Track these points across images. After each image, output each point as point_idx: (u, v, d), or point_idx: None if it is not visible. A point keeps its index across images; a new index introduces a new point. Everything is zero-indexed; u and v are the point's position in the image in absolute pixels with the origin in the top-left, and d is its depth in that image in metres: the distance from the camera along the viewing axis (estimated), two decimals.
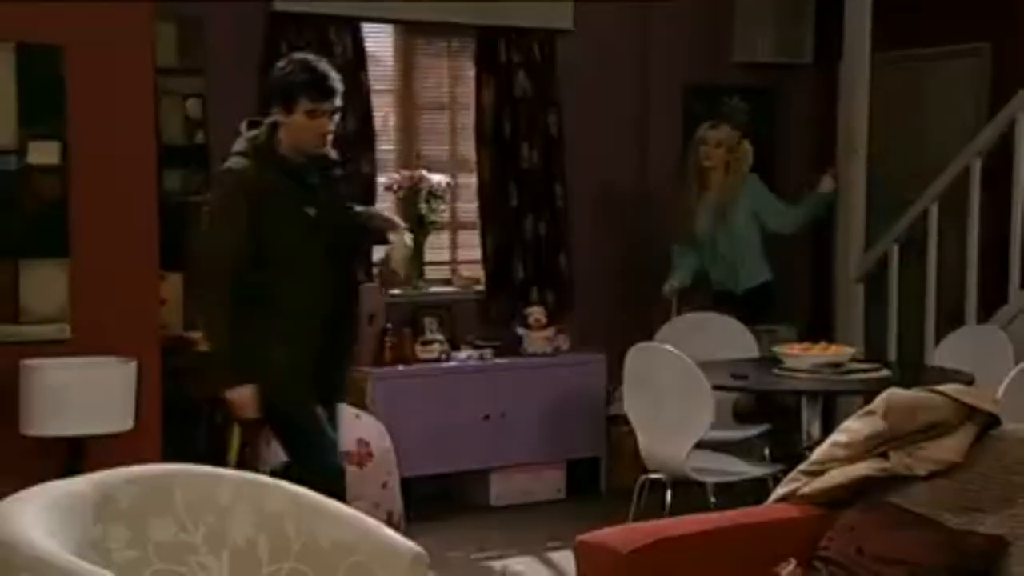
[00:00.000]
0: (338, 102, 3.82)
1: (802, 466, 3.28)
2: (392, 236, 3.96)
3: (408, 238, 4.01)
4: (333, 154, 3.97)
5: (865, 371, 4.72)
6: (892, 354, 5.74)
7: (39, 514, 2.67)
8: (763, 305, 5.96)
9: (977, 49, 6.43)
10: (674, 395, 4.52)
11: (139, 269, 4.06)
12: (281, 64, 3.93)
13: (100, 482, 2.89)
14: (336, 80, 3.83)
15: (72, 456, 3.66)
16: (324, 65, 3.84)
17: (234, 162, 3.79)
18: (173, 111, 5.39)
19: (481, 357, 5.99)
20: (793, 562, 2.94)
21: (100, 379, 3.73)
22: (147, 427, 3.83)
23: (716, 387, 4.52)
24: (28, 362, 3.72)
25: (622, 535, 3.00)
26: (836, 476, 3.15)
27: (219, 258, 3.64)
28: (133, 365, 3.78)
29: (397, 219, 4.17)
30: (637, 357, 4.69)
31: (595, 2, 6.43)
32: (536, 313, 6.18)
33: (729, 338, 5.51)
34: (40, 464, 3.11)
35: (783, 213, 5.96)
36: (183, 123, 5.45)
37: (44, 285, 3.83)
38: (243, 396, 3.68)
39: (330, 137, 3.85)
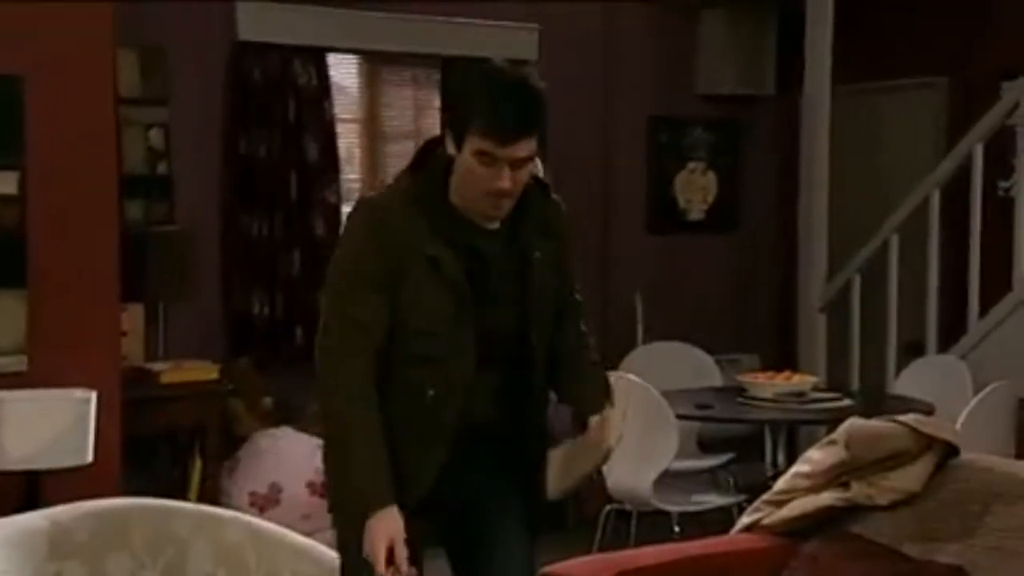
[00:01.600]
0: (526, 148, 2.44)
1: (765, 496, 3.29)
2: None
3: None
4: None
5: (828, 400, 4.75)
6: (854, 382, 5.78)
7: None
8: None
9: (934, 83, 6.52)
10: (639, 425, 4.51)
11: (99, 300, 4.02)
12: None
13: (55, 518, 2.87)
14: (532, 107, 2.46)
15: (28, 490, 3.61)
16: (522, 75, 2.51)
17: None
18: (135, 141, 5.35)
19: None
20: None
21: (57, 412, 3.68)
22: (106, 461, 3.77)
23: (680, 417, 4.53)
24: None
25: (586, 567, 3.01)
26: (799, 506, 3.17)
27: None
28: (92, 397, 3.74)
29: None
30: None
31: (558, 31, 6.45)
32: None
33: (693, 367, 5.54)
34: None
35: None
36: (145, 153, 5.40)
37: (1, 316, 3.78)
38: None
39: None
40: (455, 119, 2.47)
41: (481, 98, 2.42)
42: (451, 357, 2.47)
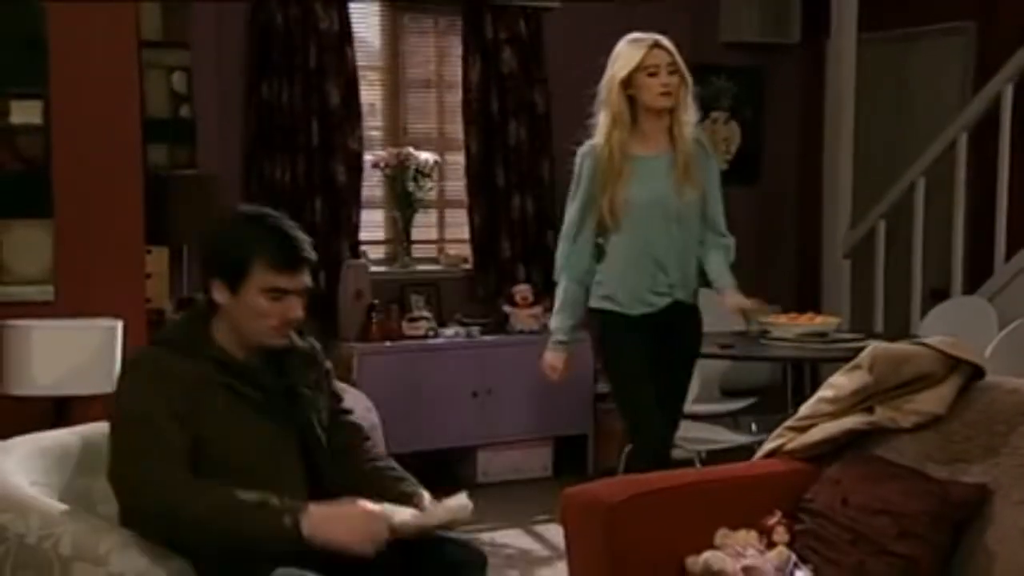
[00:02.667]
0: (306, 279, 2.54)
1: (788, 422, 3.28)
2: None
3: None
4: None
5: (851, 340, 4.72)
6: (879, 327, 5.74)
7: (22, 462, 2.66)
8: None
9: (962, 28, 6.44)
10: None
11: (124, 230, 4.03)
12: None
13: (85, 435, 2.88)
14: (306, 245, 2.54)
15: (57, 416, 3.64)
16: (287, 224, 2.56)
17: None
18: (158, 84, 5.36)
19: (468, 334, 5.98)
20: (779, 514, 2.93)
21: (84, 340, 3.71)
22: None
23: (702, 355, 4.50)
24: (11, 322, 3.69)
25: (608, 487, 2.99)
26: (821, 431, 3.14)
27: None
28: (119, 326, 3.76)
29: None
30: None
31: None
32: (523, 291, 6.17)
33: (715, 313, 5.50)
34: (23, 424, 3.08)
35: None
36: (169, 96, 5.42)
37: (27, 246, 3.81)
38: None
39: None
40: (230, 265, 2.48)
41: (262, 240, 2.48)
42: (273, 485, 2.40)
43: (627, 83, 3.77)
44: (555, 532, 4.85)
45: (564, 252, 3.95)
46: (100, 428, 2.88)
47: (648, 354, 3.87)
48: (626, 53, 3.81)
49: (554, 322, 4.04)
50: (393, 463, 2.79)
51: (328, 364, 2.74)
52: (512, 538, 5.09)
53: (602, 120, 3.83)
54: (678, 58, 3.80)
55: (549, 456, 6.11)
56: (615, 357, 3.94)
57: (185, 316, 2.61)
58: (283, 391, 2.56)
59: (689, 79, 3.82)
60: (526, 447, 6.04)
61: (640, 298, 3.87)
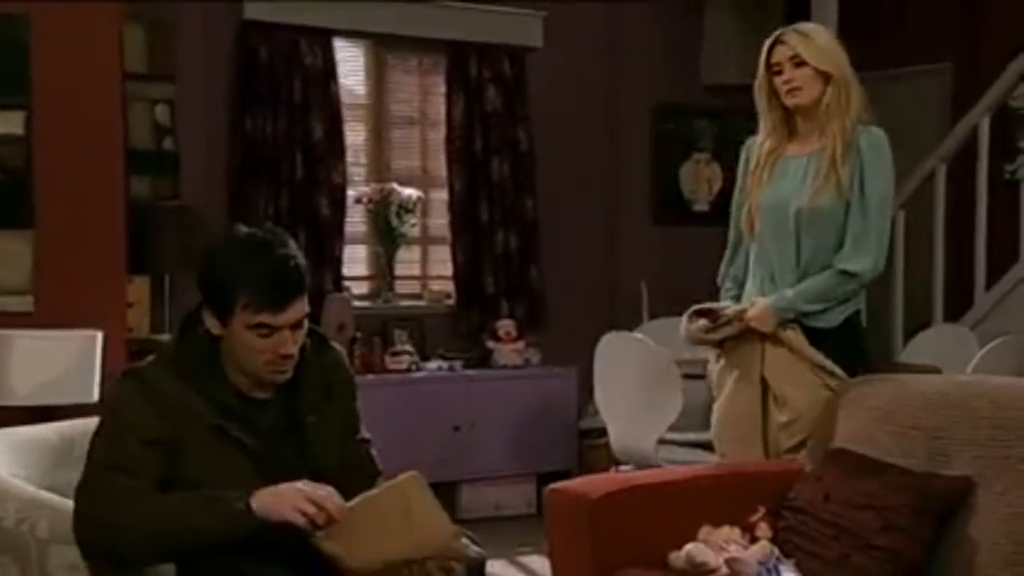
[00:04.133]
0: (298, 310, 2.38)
1: None
2: None
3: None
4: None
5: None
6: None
7: (3, 454, 2.64)
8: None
9: (940, 69, 6.55)
10: (644, 383, 4.51)
11: (105, 241, 4.03)
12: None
13: (62, 432, 2.86)
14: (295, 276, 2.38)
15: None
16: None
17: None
18: (142, 116, 5.38)
19: (451, 368, 5.97)
20: (762, 510, 2.92)
21: (64, 351, 3.70)
22: None
23: (687, 376, 4.51)
24: None
25: (592, 484, 2.99)
26: None
27: None
28: (98, 337, 3.75)
29: None
30: (608, 345, 4.69)
31: (564, 18, 6.49)
32: (506, 326, 6.18)
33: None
34: None
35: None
36: (152, 129, 5.44)
37: (8, 256, 3.80)
38: None
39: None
40: (218, 299, 2.35)
41: (245, 274, 2.32)
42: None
43: (767, 86, 3.32)
44: (539, 563, 4.82)
45: (725, 260, 3.54)
46: (78, 424, 2.88)
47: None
48: (760, 54, 3.35)
49: None
50: None
51: (353, 378, 2.61)
52: (495, 568, 5.02)
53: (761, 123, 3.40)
54: (806, 50, 3.24)
55: (532, 492, 6.06)
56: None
57: (195, 339, 2.41)
58: (284, 429, 2.43)
59: (840, 68, 3.24)
60: (509, 483, 6.00)
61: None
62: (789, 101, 3.29)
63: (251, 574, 2.30)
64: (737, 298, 3.43)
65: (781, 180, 3.33)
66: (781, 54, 3.29)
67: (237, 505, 2.26)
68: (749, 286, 3.40)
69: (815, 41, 3.28)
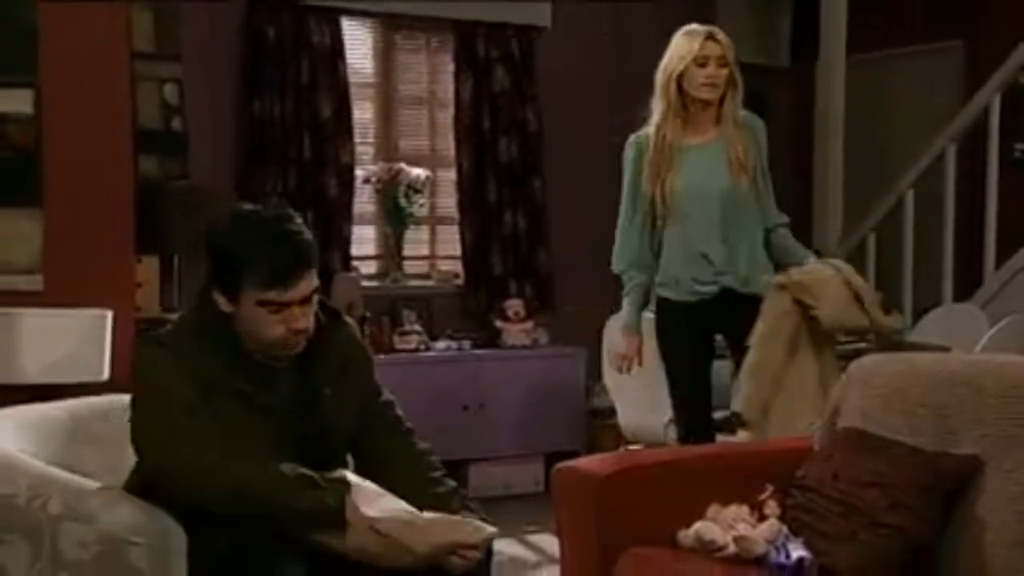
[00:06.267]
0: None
1: None
2: None
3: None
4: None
5: (843, 343, 4.71)
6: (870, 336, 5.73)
7: (13, 432, 2.65)
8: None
9: (950, 47, 6.51)
10: (654, 365, 4.49)
11: (114, 220, 4.03)
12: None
13: (71, 409, 2.88)
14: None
15: None
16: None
17: None
18: (151, 96, 5.38)
19: (459, 348, 5.97)
20: (770, 489, 2.92)
21: (73, 329, 3.71)
22: (122, 378, 3.77)
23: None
24: (1, 311, 3.69)
25: (599, 462, 2.99)
26: None
27: None
28: (108, 316, 3.75)
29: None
30: (614, 326, 4.68)
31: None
32: (515, 306, 6.18)
33: None
34: None
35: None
36: (160, 108, 5.44)
37: (17, 235, 3.81)
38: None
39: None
40: (225, 278, 2.37)
41: (252, 253, 2.33)
42: None
43: (681, 74, 3.76)
44: (547, 541, 4.83)
45: (618, 244, 3.97)
46: (87, 402, 2.90)
47: (698, 340, 3.91)
48: (681, 44, 3.82)
49: (622, 312, 4.06)
50: (432, 461, 2.72)
51: (367, 352, 2.65)
52: (503, 546, 5.04)
53: (656, 110, 3.83)
54: (730, 54, 3.77)
55: (540, 471, 6.08)
56: (663, 342, 3.99)
57: (212, 308, 2.42)
58: (302, 397, 2.45)
59: (739, 78, 3.79)
60: (517, 462, 6.01)
61: (688, 287, 3.87)
62: (704, 94, 3.76)
63: (261, 547, 2.31)
64: (644, 284, 3.94)
65: (695, 165, 3.78)
66: (712, 50, 3.75)
67: (330, 500, 2.28)
68: (673, 268, 3.85)
69: (731, 47, 3.80)
